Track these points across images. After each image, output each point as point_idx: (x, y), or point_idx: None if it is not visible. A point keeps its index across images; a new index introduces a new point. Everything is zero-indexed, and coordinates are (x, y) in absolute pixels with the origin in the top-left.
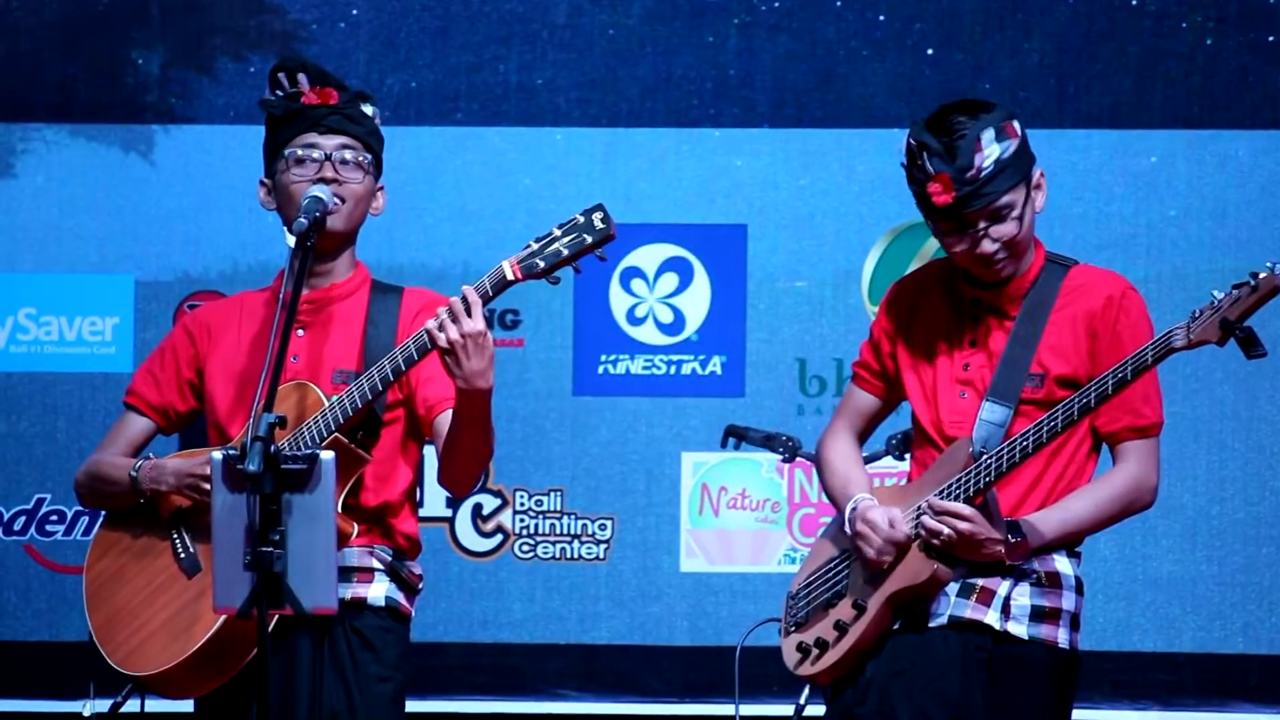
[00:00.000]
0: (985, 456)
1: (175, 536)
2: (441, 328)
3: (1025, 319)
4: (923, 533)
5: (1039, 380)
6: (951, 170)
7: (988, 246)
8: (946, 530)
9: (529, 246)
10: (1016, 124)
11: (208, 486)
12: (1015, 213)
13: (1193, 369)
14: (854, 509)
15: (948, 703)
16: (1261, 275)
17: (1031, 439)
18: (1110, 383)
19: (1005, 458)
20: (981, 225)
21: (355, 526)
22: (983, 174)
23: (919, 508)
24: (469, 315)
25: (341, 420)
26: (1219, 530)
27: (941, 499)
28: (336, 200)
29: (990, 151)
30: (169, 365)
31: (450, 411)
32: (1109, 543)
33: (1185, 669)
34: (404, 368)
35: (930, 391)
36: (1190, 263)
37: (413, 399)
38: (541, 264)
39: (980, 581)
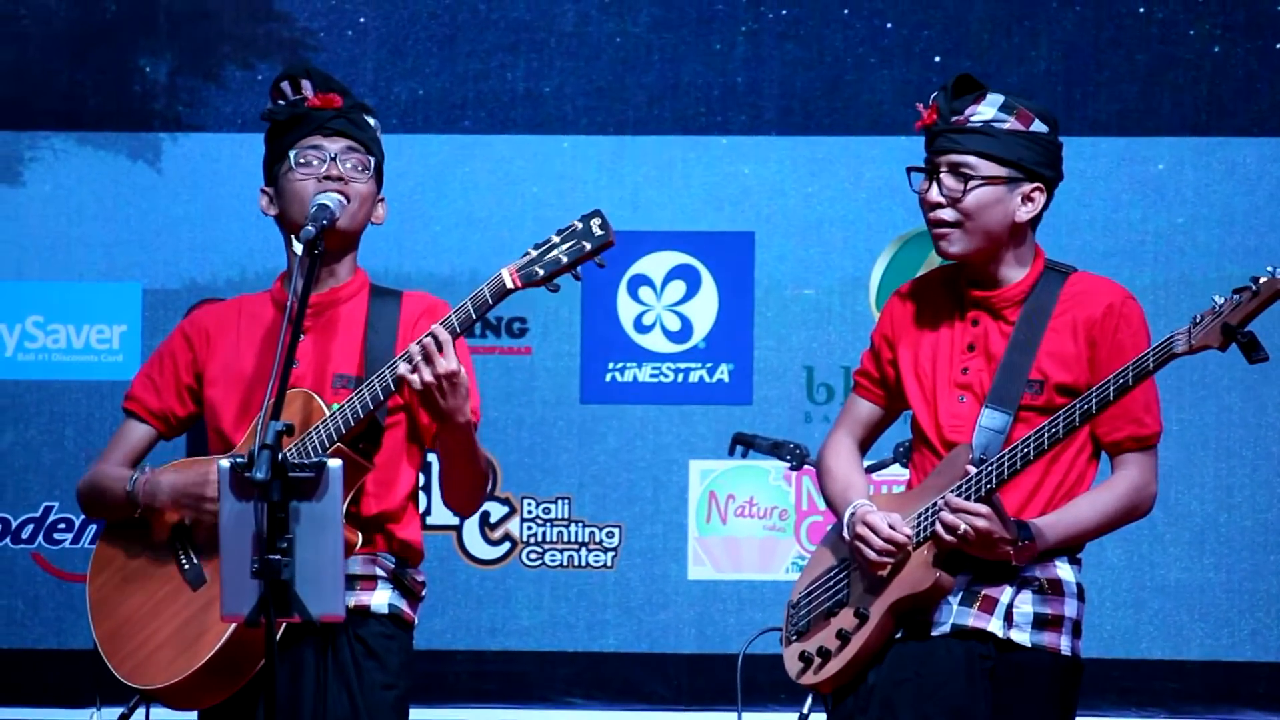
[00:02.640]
0: (987, 463)
1: (179, 548)
2: (415, 369)
3: (1024, 324)
4: (939, 528)
5: (1038, 387)
6: (944, 106)
7: (933, 194)
8: (964, 526)
9: (528, 254)
10: (1041, 124)
11: (209, 505)
12: (973, 180)
13: (1200, 376)
14: (852, 514)
15: (951, 711)
16: (1262, 280)
17: (1033, 445)
18: (1112, 388)
19: (1007, 464)
20: (942, 172)
21: (360, 536)
22: (967, 124)
23: (924, 511)
24: (441, 354)
25: (344, 430)
26: (1227, 538)
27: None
28: (343, 202)
29: (985, 112)
30: (167, 370)
31: None
32: (1116, 550)
33: (1193, 677)
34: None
35: (930, 395)
36: (1198, 270)
37: (415, 405)
38: (541, 272)
39: (982, 589)
